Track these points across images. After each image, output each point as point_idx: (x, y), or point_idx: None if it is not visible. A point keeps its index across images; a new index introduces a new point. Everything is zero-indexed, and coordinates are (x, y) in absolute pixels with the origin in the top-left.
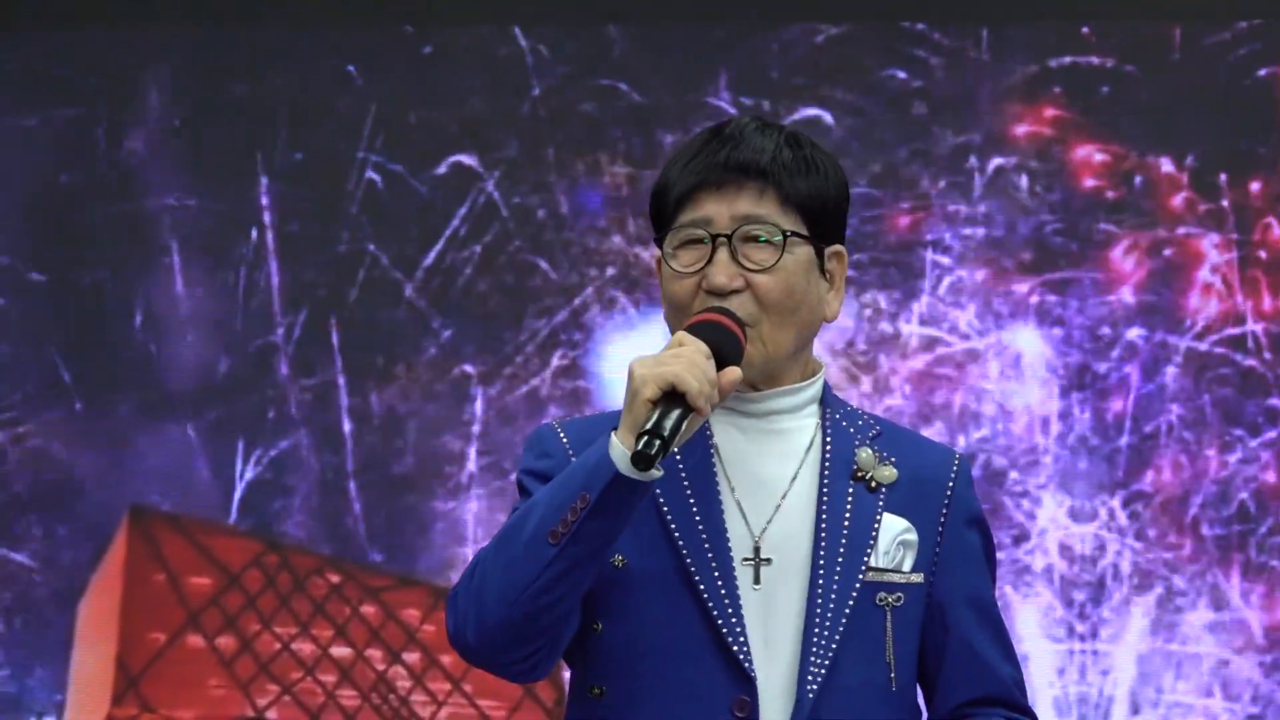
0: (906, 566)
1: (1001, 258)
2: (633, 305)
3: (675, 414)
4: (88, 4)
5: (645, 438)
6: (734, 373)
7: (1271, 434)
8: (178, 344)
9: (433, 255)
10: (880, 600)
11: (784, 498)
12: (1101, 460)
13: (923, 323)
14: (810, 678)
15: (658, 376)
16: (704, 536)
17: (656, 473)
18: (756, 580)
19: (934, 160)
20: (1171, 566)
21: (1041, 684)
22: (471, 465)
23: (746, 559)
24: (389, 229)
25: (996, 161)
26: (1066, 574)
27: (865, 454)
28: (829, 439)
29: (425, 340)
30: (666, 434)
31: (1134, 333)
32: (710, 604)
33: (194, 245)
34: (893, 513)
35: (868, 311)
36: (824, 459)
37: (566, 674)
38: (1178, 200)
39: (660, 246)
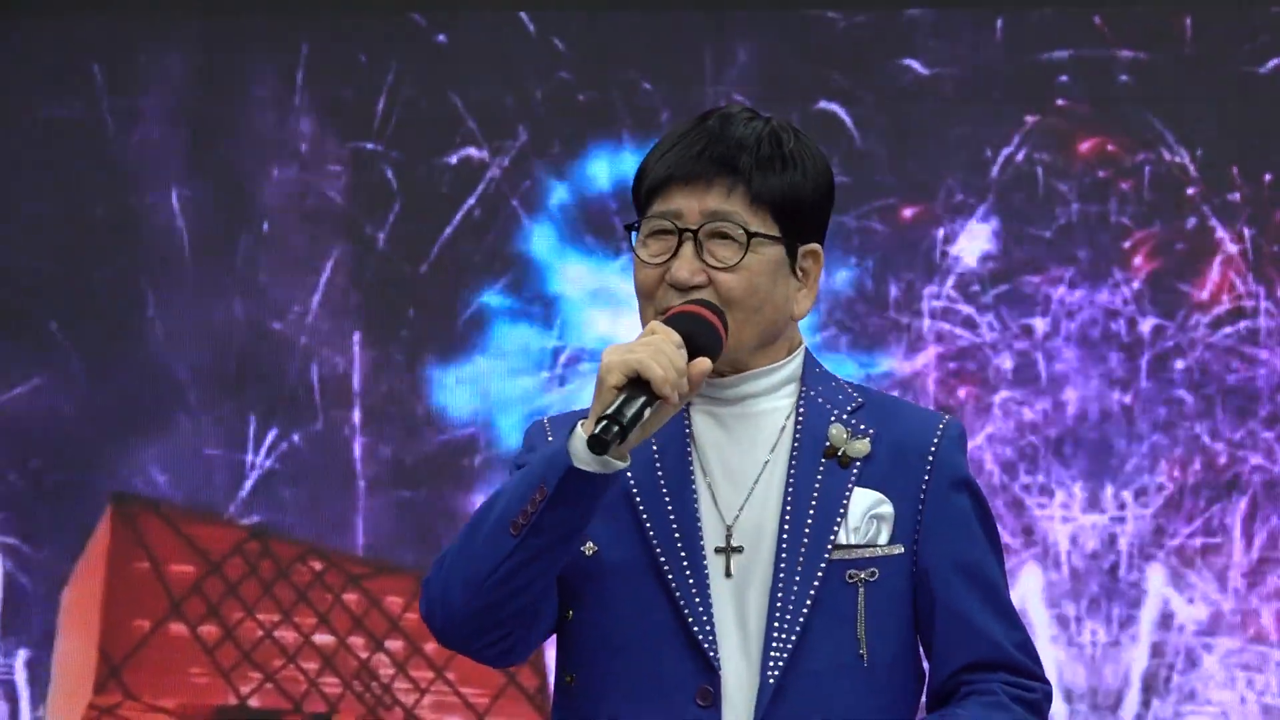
0: (882, 540)
1: (1012, 249)
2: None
3: (639, 401)
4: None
5: (604, 423)
6: (704, 363)
7: None
8: (174, 332)
9: (439, 245)
10: (850, 577)
11: (755, 484)
12: (1113, 451)
13: (933, 315)
14: (771, 664)
15: (622, 363)
16: (675, 527)
17: (619, 463)
18: (728, 569)
19: (945, 150)
20: (1184, 558)
21: (1052, 675)
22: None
23: (719, 548)
24: (398, 217)
25: (1006, 152)
26: (1078, 565)
27: (836, 429)
28: (801, 418)
29: (432, 328)
30: (626, 420)
31: (1146, 324)
32: (678, 594)
33: (198, 237)
34: (868, 486)
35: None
36: (794, 439)
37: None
38: (1190, 191)
39: (633, 232)
